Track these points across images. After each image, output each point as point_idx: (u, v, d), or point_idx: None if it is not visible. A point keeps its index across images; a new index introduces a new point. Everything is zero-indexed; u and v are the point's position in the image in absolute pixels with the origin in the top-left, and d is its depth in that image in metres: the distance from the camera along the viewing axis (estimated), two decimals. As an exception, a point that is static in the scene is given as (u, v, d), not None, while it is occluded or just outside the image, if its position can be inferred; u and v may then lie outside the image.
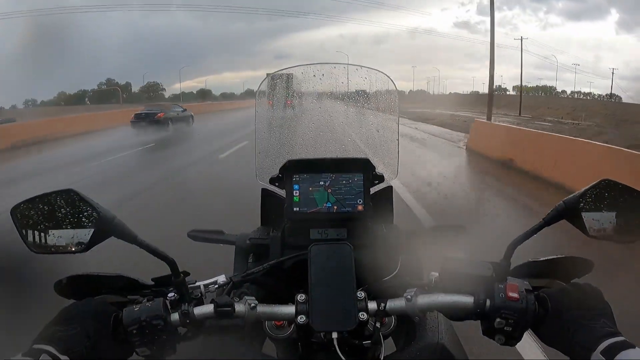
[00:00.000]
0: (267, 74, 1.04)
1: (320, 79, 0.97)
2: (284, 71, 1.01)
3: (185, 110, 18.69)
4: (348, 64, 0.96)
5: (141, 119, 16.11)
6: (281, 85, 1.04)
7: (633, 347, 0.53)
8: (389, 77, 0.95)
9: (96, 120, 18.36)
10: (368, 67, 0.95)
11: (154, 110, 16.74)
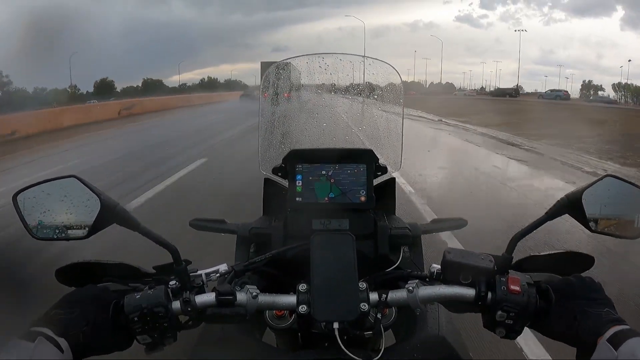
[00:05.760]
0: (262, 62, 1.03)
1: (325, 69, 0.96)
2: (286, 61, 0.99)
3: (259, 92, 34.34)
4: (352, 54, 0.95)
5: (244, 96, 33.19)
6: (284, 76, 1.03)
7: (639, 335, 0.53)
8: (394, 68, 0.94)
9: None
10: (373, 58, 0.94)
11: (248, 92, 34.69)
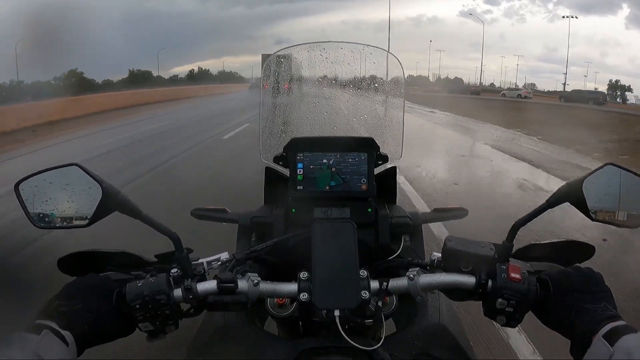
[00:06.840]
0: (263, 55, 1.02)
1: (325, 58, 0.96)
2: (286, 50, 0.99)
3: (266, 83, 37.31)
4: (353, 42, 0.95)
5: (251, 87, 34.44)
6: (285, 65, 1.02)
7: (635, 331, 0.53)
8: (395, 56, 0.93)
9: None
10: (374, 46, 0.94)
11: (256, 84, 34.34)
